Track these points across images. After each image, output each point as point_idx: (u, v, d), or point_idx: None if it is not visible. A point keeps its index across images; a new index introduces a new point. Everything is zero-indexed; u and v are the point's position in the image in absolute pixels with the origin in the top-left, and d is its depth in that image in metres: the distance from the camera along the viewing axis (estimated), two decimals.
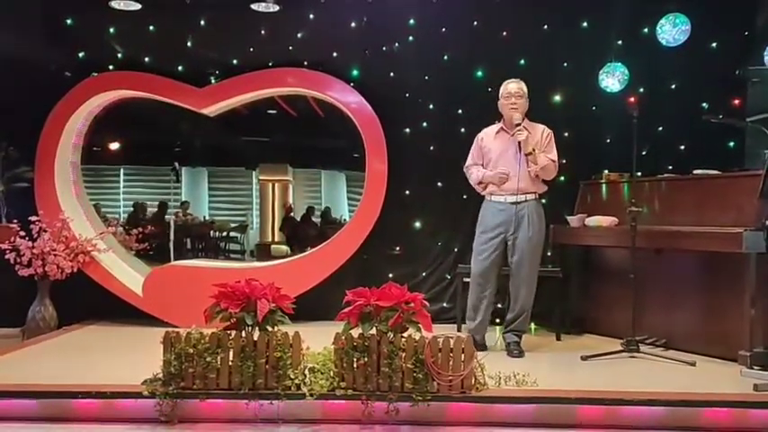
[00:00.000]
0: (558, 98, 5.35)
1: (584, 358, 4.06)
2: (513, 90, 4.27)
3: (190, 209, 12.83)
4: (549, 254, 5.13)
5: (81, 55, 5.44)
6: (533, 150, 4.18)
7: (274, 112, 9.41)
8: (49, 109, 5.20)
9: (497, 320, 4.80)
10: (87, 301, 5.17)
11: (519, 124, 4.17)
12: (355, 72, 5.40)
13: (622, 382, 3.51)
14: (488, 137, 4.39)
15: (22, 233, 4.85)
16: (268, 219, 13.52)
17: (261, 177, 13.63)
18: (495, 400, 3.19)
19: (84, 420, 3.15)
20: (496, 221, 4.24)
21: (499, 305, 4.74)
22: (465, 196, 4.84)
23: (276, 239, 12.87)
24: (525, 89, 4.29)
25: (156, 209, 11.87)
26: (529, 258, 4.23)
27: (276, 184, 13.59)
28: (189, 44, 5.44)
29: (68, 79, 5.32)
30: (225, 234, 12.76)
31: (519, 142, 4.17)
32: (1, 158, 5.07)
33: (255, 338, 3.22)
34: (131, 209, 12.26)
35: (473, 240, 4.40)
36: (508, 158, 4.25)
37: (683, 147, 5.29)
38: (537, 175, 4.23)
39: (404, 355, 3.16)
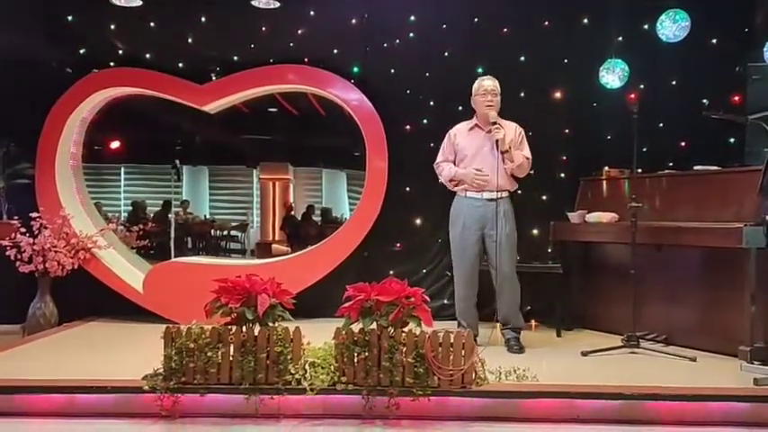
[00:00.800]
0: (558, 95, 5.35)
1: (584, 354, 4.06)
2: (488, 87, 4.28)
3: (190, 207, 12.85)
4: (549, 250, 5.15)
5: (82, 51, 5.44)
6: (509, 148, 4.20)
7: (275, 110, 9.44)
8: (49, 106, 5.21)
9: (497, 319, 4.79)
10: (88, 298, 5.18)
11: (495, 122, 4.19)
12: (356, 69, 5.40)
13: (623, 377, 3.51)
14: (461, 133, 4.40)
15: (23, 230, 4.86)
16: (269, 217, 13.55)
17: (261, 176, 13.64)
18: (496, 394, 3.20)
19: (86, 415, 3.16)
20: (475, 218, 4.26)
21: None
22: None
23: (277, 238, 12.89)
24: (499, 86, 4.31)
25: (157, 207, 11.90)
26: (509, 254, 4.28)
27: (277, 183, 13.61)
28: (190, 41, 5.45)
29: (69, 76, 5.33)
30: (225, 233, 12.78)
31: (496, 140, 4.18)
32: (2, 155, 5.07)
33: (256, 333, 3.22)
34: (131, 207, 12.29)
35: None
36: (484, 155, 4.27)
37: (683, 143, 5.28)
38: (512, 172, 4.27)
39: (404, 349, 3.17)
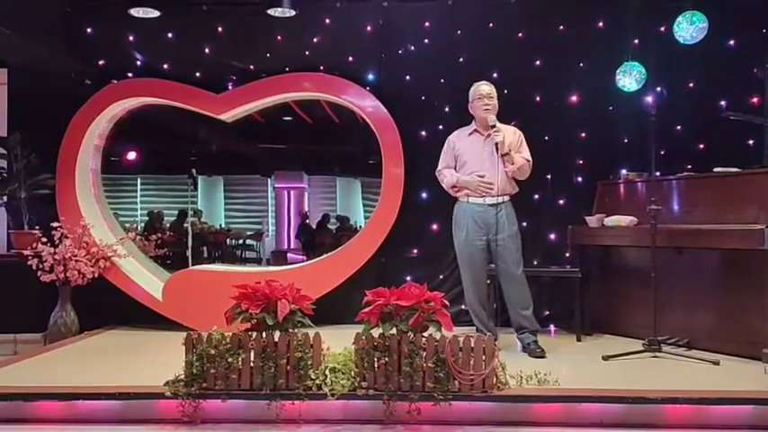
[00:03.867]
0: (574, 98, 5.34)
1: (605, 358, 4.03)
2: (485, 91, 4.30)
3: (205, 216, 12.91)
4: (567, 255, 5.12)
5: (101, 63, 5.53)
6: (509, 151, 4.20)
7: (290, 119, 9.48)
8: (69, 117, 5.28)
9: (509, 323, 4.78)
10: (108, 307, 5.21)
11: (494, 125, 4.19)
12: (371, 76, 5.43)
13: (645, 381, 3.48)
14: (461, 139, 4.41)
15: (44, 239, 4.92)
16: (284, 226, 13.59)
17: (276, 184, 13.71)
18: (517, 399, 3.18)
19: (109, 422, 3.18)
20: (478, 224, 4.26)
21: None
22: None
23: (292, 247, 12.92)
24: (495, 91, 4.32)
25: (173, 217, 11.96)
26: (516, 258, 4.27)
27: (292, 191, 13.66)
28: (206, 51, 5.50)
29: (88, 87, 5.41)
30: (241, 241, 12.83)
31: (496, 144, 4.17)
32: (23, 166, 5.13)
33: (276, 339, 3.23)
34: (147, 217, 12.37)
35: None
36: (484, 160, 4.26)
37: (701, 145, 5.23)
38: (513, 175, 4.26)
39: (424, 354, 3.16)
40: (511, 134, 4.31)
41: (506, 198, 4.30)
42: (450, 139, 4.47)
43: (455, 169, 4.39)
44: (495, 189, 4.20)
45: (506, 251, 4.24)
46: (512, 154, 4.23)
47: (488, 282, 4.51)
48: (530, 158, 4.33)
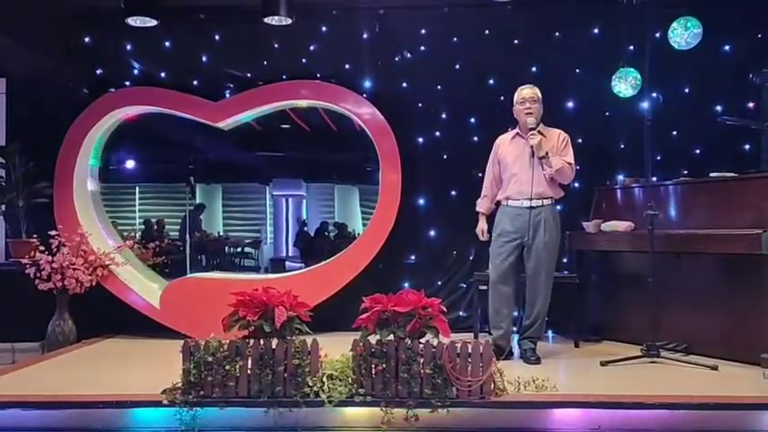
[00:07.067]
0: (570, 104, 5.36)
1: (603, 364, 4.03)
2: (527, 95, 4.29)
3: (203, 225, 12.89)
4: (565, 260, 5.13)
5: (98, 72, 5.55)
6: (547, 154, 4.18)
7: (287, 126, 9.50)
8: (67, 125, 5.29)
9: (514, 328, 4.77)
10: (106, 315, 5.20)
11: (533, 128, 4.18)
12: (368, 83, 5.45)
13: (643, 387, 3.48)
14: (504, 143, 4.43)
15: (42, 248, 4.91)
16: (282, 234, 13.57)
17: (274, 192, 13.71)
18: (515, 405, 3.17)
19: (105, 430, 3.17)
20: (513, 226, 4.24)
21: (515, 313, 4.72)
22: None
23: (290, 254, 12.90)
24: (539, 94, 4.30)
25: (172, 224, 11.94)
26: (545, 264, 4.21)
27: (290, 199, 13.66)
28: (204, 59, 5.52)
29: (86, 96, 5.43)
30: (239, 249, 12.82)
31: (532, 146, 4.17)
32: (21, 174, 5.14)
33: (274, 346, 3.23)
34: (143, 226, 12.35)
35: (488, 248, 4.40)
36: (523, 162, 4.26)
37: (697, 150, 5.25)
38: (552, 178, 4.22)
39: (422, 360, 3.16)
40: (555, 137, 4.29)
41: (546, 202, 4.24)
42: (495, 142, 4.49)
43: (499, 173, 4.41)
44: (530, 191, 4.19)
45: (536, 257, 4.20)
46: (549, 157, 4.18)
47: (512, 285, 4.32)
48: (572, 161, 4.25)
